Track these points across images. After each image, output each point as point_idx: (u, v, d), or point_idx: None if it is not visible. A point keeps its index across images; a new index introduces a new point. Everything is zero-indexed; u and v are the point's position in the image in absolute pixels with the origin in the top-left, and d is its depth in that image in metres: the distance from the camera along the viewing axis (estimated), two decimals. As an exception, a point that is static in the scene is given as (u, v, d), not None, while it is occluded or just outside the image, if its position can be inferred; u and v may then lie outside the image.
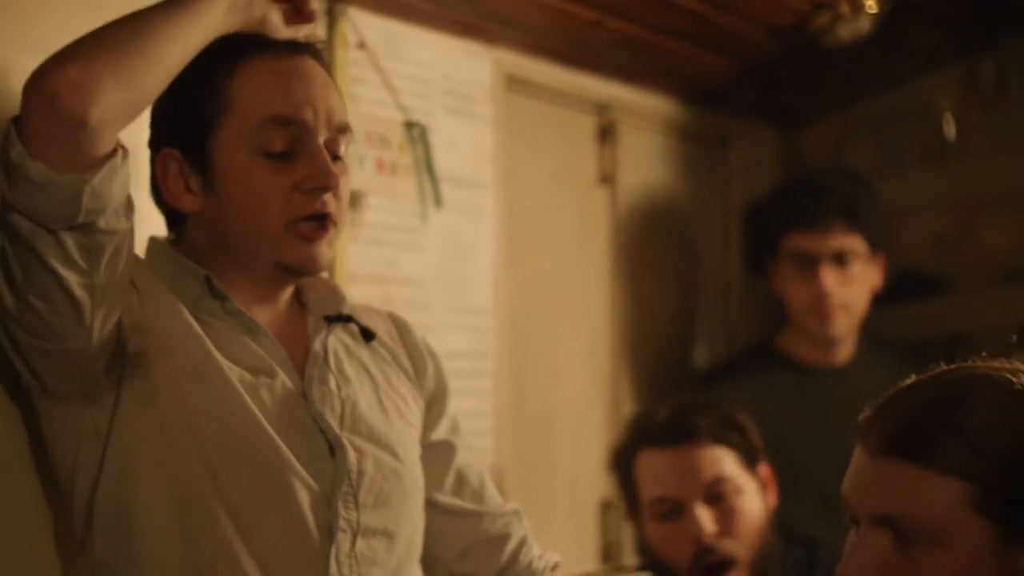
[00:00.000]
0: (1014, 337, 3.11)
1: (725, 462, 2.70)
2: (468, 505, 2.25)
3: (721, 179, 4.01)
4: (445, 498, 2.23)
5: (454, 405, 2.28)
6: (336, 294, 2.14)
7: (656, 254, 3.74)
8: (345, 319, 2.12)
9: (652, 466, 2.74)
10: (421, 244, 2.92)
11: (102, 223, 1.73)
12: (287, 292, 2.08)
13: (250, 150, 1.93)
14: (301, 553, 1.94)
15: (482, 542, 2.25)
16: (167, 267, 1.98)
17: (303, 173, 1.94)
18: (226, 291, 1.97)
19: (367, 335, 2.13)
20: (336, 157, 1.99)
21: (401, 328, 2.24)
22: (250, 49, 1.96)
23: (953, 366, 1.71)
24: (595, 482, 3.42)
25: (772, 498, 2.81)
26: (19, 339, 1.81)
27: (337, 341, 2.10)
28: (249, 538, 1.89)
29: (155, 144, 1.99)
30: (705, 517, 2.65)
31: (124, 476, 1.88)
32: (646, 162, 3.72)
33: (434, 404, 2.23)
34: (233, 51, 1.94)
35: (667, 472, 2.72)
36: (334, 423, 2.00)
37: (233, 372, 1.92)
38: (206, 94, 1.94)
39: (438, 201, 2.89)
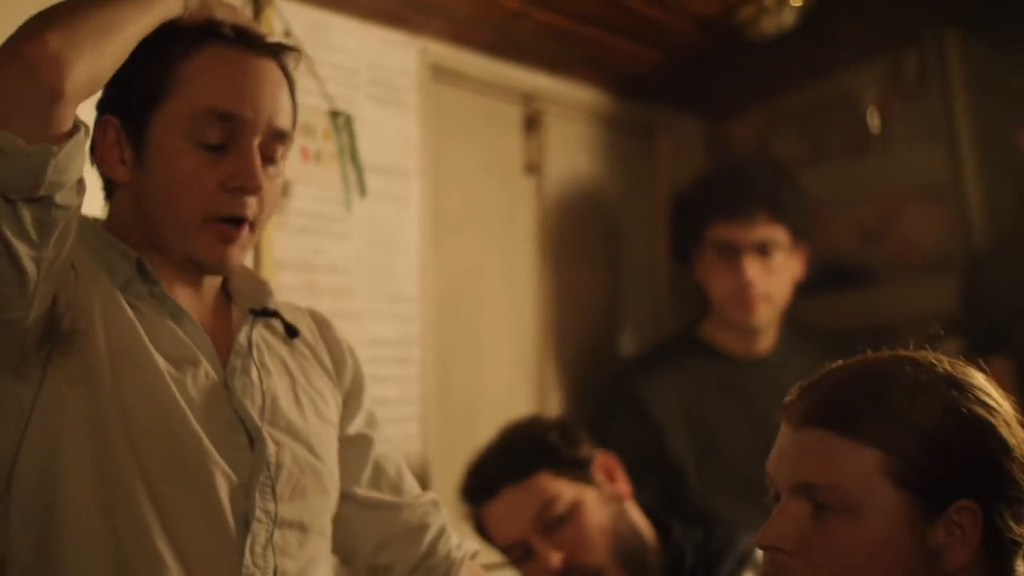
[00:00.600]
0: (939, 328, 3.16)
1: (545, 487, 2.75)
2: (386, 497, 2.26)
3: (648, 169, 4.03)
4: (363, 491, 2.24)
5: (373, 397, 2.29)
6: (263, 288, 2.14)
7: (583, 243, 3.76)
8: (271, 314, 2.12)
9: (488, 521, 2.81)
10: (346, 232, 2.93)
11: (59, 198, 1.72)
12: (213, 282, 2.08)
13: (185, 136, 1.93)
14: (217, 541, 1.94)
15: (401, 533, 2.26)
16: (97, 245, 1.97)
17: (230, 171, 1.94)
18: (155, 275, 1.97)
19: (291, 332, 2.14)
20: (270, 160, 1.98)
21: (322, 325, 2.25)
22: (211, 37, 1.96)
23: (879, 352, 1.78)
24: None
25: (623, 486, 2.84)
26: None
27: (259, 335, 2.10)
28: (167, 523, 1.89)
29: (100, 109, 1.98)
30: (548, 550, 2.72)
31: (48, 452, 1.87)
32: (573, 152, 3.74)
33: (351, 399, 2.24)
34: (194, 34, 1.95)
35: (499, 521, 2.79)
36: (254, 414, 2.00)
37: (159, 359, 1.92)
38: (157, 70, 1.93)
39: (363, 190, 2.89)
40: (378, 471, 2.26)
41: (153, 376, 1.91)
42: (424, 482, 2.99)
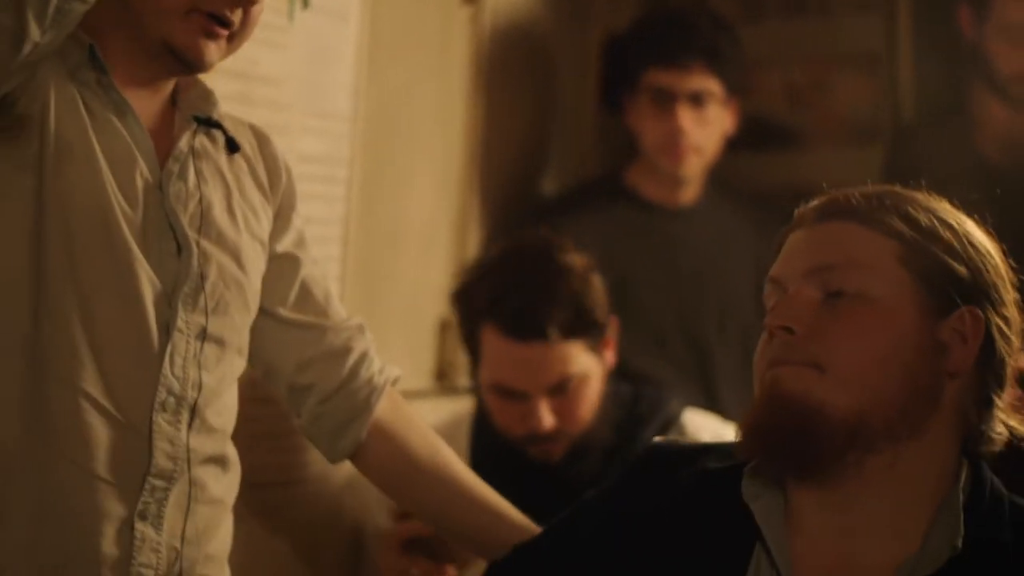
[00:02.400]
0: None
1: (572, 359, 2.70)
2: (311, 319, 2.24)
3: (584, 9, 3.98)
4: (288, 312, 2.22)
5: (303, 215, 2.27)
6: (209, 97, 2.10)
7: (515, 79, 3.71)
8: (214, 124, 2.08)
9: (497, 351, 2.74)
10: (284, 43, 2.85)
11: None
12: (167, 85, 2.03)
13: None
14: (137, 347, 1.92)
15: (323, 354, 2.25)
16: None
17: None
18: (105, 64, 1.91)
19: (232, 146, 2.11)
20: None
21: (261, 140, 2.21)
22: None
23: None
24: (435, 302, 3.41)
25: (612, 357, 2.83)
26: None
27: (200, 143, 2.06)
28: (88, 322, 1.87)
29: None
30: (547, 413, 2.69)
31: None
32: (513, -15, 3.69)
33: (281, 216, 2.21)
34: None
35: (512, 365, 2.72)
36: (185, 221, 1.97)
37: (100, 156, 1.89)
38: None
39: (305, 1, 2.83)
40: (304, 293, 2.24)
41: (93, 173, 1.88)
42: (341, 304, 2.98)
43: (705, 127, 3.47)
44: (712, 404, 3.25)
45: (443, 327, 3.44)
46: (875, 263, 1.73)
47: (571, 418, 2.71)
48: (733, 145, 3.65)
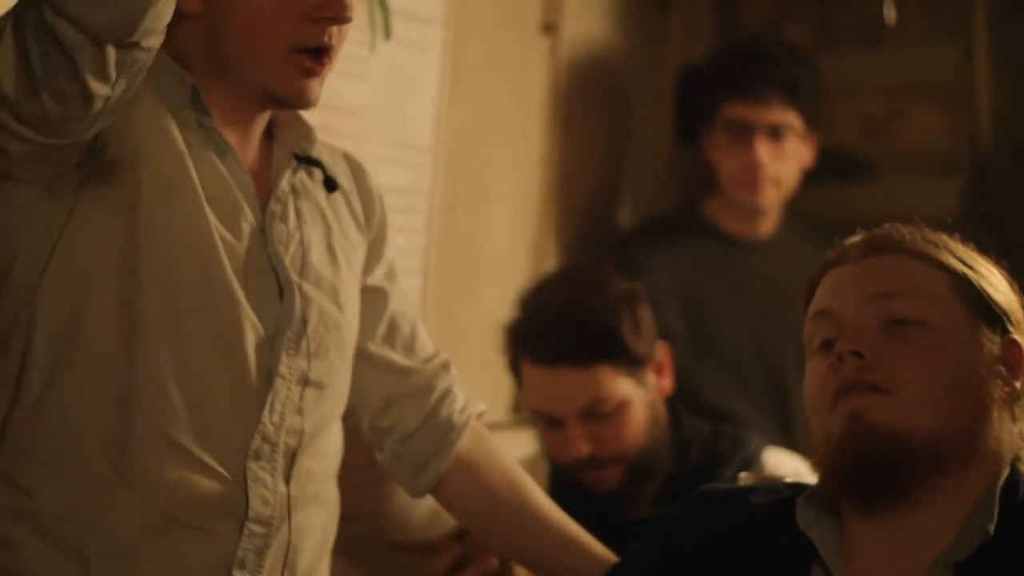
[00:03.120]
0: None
1: (603, 383, 2.67)
2: (397, 358, 2.24)
3: (659, 40, 3.97)
4: (376, 347, 2.22)
5: (392, 249, 2.26)
6: (310, 136, 2.08)
7: (592, 110, 3.71)
8: (314, 162, 2.07)
9: (531, 380, 2.74)
10: (365, 75, 2.87)
11: (146, 42, 1.67)
12: (262, 120, 2.02)
13: None
14: (235, 394, 1.91)
15: (406, 395, 2.25)
16: (152, 69, 1.87)
17: (315, 2, 1.87)
18: (208, 104, 1.91)
19: (331, 185, 2.09)
20: None
21: (356, 171, 2.21)
22: None
23: None
24: (513, 333, 3.42)
25: (668, 383, 2.81)
26: (2, 119, 1.72)
27: (300, 180, 2.05)
28: (185, 369, 1.86)
29: None
30: (580, 438, 2.66)
31: (77, 282, 1.84)
32: (589, 15, 3.68)
33: (374, 246, 2.21)
34: None
35: (543, 391, 2.72)
36: (287, 264, 1.96)
37: (201, 196, 1.88)
38: None
39: (388, 33, 2.84)
40: (392, 328, 2.24)
41: (194, 214, 1.87)
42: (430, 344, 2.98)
43: (783, 160, 3.45)
44: (788, 437, 3.23)
45: (520, 360, 3.45)
46: (932, 292, 1.77)
47: (610, 443, 2.67)
48: (810, 177, 3.63)
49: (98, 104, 1.69)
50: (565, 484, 2.76)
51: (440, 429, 2.26)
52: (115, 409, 1.85)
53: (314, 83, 1.92)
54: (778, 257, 3.50)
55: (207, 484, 1.89)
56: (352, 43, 2.76)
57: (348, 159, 2.21)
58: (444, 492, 2.31)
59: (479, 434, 2.32)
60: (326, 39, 1.90)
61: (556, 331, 2.67)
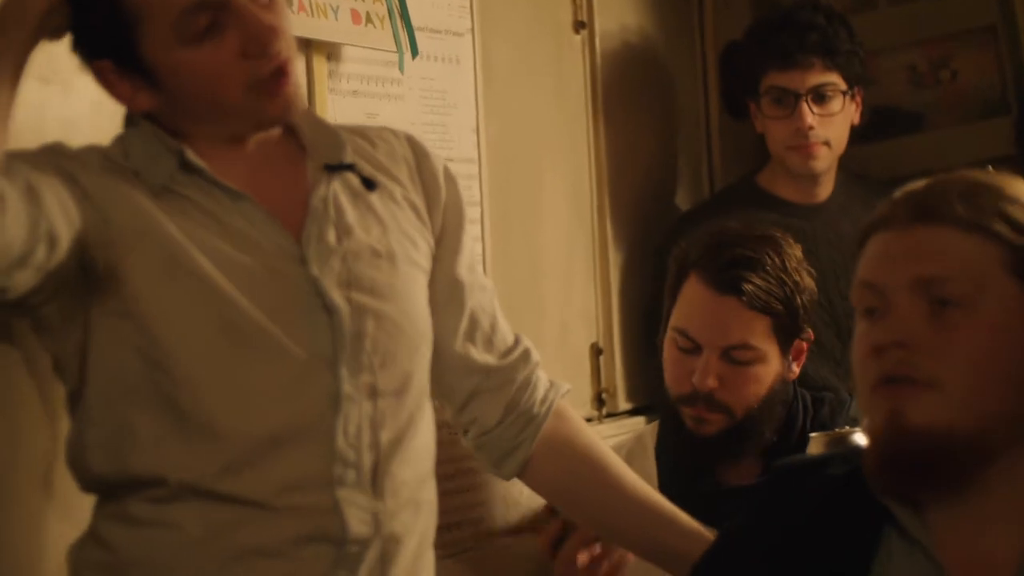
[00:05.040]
0: (990, 170, 3.08)
1: (756, 331, 2.68)
2: (477, 355, 2.23)
3: (696, 22, 4.00)
4: (457, 346, 2.21)
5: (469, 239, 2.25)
6: (336, 140, 2.07)
7: (635, 98, 3.72)
8: (347, 167, 2.05)
9: (694, 298, 2.73)
10: (400, 94, 2.89)
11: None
12: (263, 138, 2.01)
13: (180, 43, 1.86)
14: (307, 432, 1.91)
15: (486, 390, 2.25)
16: (137, 148, 1.94)
17: (240, 42, 1.87)
18: (201, 163, 1.92)
19: (369, 185, 2.06)
20: None
21: (419, 154, 2.19)
22: None
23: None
24: (585, 328, 3.44)
25: (797, 370, 2.81)
26: None
27: (340, 187, 2.03)
28: (248, 429, 1.89)
29: (86, 58, 1.93)
30: (712, 371, 2.66)
31: (119, 391, 1.88)
32: (621, 7, 3.70)
33: (446, 234, 2.19)
34: None
35: (701, 314, 2.71)
36: (332, 282, 1.95)
37: (219, 254, 1.89)
38: (113, 11, 1.87)
39: (414, 51, 2.86)
40: (473, 323, 2.23)
41: (199, 283, 1.88)
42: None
43: (831, 121, 3.45)
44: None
45: (596, 352, 3.47)
46: (982, 274, 1.67)
47: (735, 391, 2.68)
48: (862, 135, 3.64)
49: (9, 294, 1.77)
50: (678, 467, 2.80)
51: (521, 420, 2.27)
52: (185, 483, 1.88)
53: (282, 99, 1.93)
54: (839, 219, 3.50)
55: (294, 523, 1.90)
56: (383, 64, 2.82)
57: (411, 141, 2.20)
58: (530, 474, 2.33)
59: (564, 415, 2.33)
60: (273, 63, 1.90)
61: (741, 267, 2.67)
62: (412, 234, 2.10)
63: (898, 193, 1.76)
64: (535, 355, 2.31)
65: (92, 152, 1.93)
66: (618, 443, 2.92)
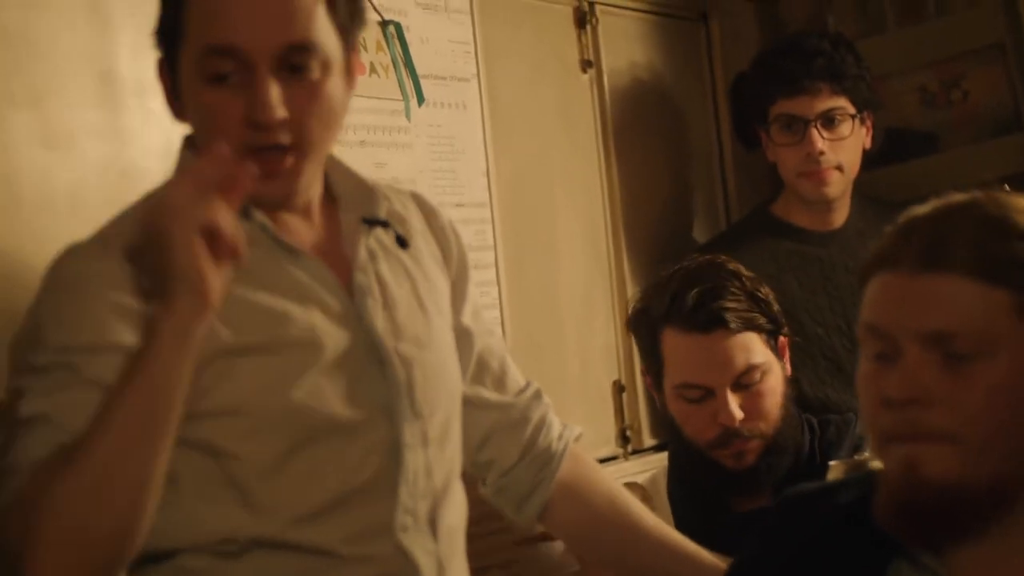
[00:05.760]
0: (1007, 188, 3.08)
1: (755, 349, 2.68)
2: (489, 395, 2.25)
3: (705, 54, 4.02)
4: (467, 388, 2.21)
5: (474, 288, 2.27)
6: (371, 194, 2.05)
7: (646, 133, 3.74)
8: (383, 223, 2.04)
9: (681, 350, 2.71)
10: (408, 142, 2.92)
11: None
12: (310, 203, 1.99)
13: (200, 78, 1.83)
14: (372, 485, 1.91)
15: (501, 430, 2.27)
16: None
17: (245, 107, 1.82)
18: (267, 220, 1.90)
19: (402, 243, 2.05)
20: (299, 69, 1.84)
21: (428, 213, 2.18)
22: None
23: (963, 195, 1.72)
24: (606, 365, 3.45)
25: (788, 367, 2.82)
26: None
27: (375, 242, 2.03)
28: (312, 493, 1.88)
29: (156, 46, 1.92)
30: (735, 405, 2.65)
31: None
32: (628, 44, 3.72)
33: (456, 284, 2.20)
34: None
35: (698, 359, 2.69)
36: (383, 335, 1.95)
37: (270, 316, 1.87)
38: (171, 19, 1.87)
39: (420, 98, 2.88)
40: (481, 366, 2.25)
41: (266, 369, 1.86)
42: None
43: (841, 145, 3.44)
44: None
45: (618, 389, 3.48)
46: (993, 326, 1.61)
47: (758, 413, 2.68)
48: (877, 159, 3.64)
49: None
50: (693, 502, 2.78)
51: (540, 459, 2.28)
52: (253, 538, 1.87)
53: (276, 182, 1.87)
54: (855, 244, 3.49)
55: (364, 570, 1.91)
56: (390, 114, 2.84)
57: (418, 200, 2.19)
58: (550, 518, 2.33)
59: (578, 458, 2.34)
60: (268, 141, 1.84)
61: (713, 299, 2.66)
62: (439, 286, 2.12)
63: (903, 225, 1.70)
64: (546, 398, 2.33)
65: None
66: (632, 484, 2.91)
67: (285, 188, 1.89)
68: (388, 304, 1.98)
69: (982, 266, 1.62)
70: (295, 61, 1.84)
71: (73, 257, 1.81)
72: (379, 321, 1.95)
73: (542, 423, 2.30)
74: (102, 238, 1.83)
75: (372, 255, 2.01)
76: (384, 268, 2.02)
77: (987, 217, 1.66)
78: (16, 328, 1.79)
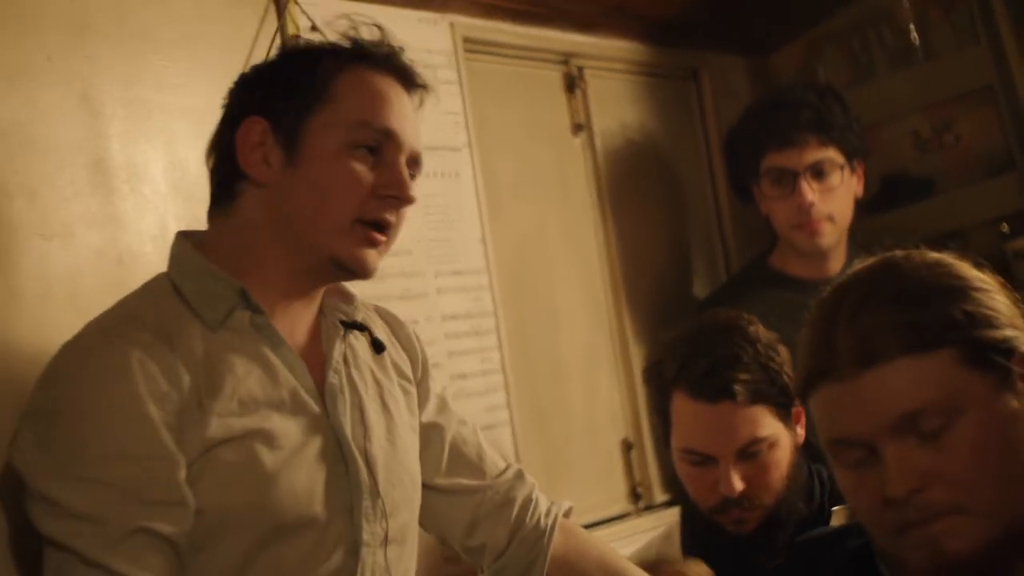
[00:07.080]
0: (1005, 227, 3.11)
1: (761, 422, 2.67)
2: (468, 482, 2.29)
3: (697, 110, 4.05)
4: (444, 480, 2.27)
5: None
6: (351, 299, 2.17)
7: (641, 192, 3.77)
8: (359, 327, 2.15)
9: (687, 415, 2.71)
10: (407, 212, 2.93)
11: None
12: (318, 296, 2.08)
13: (343, 140, 1.96)
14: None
15: (487, 513, 2.30)
16: (190, 285, 1.96)
17: (383, 180, 1.99)
18: (260, 303, 1.97)
19: (378, 347, 2.16)
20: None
21: (392, 324, 2.28)
22: (358, 58, 2.03)
23: (858, 267, 1.81)
24: (613, 424, 3.47)
25: (802, 432, 2.81)
26: None
27: (348, 345, 2.11)
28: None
29: (239, 111, 2.01)
30: (736, 477, 2.65)
31: None
32: (618, 105, 3.76)
33: (420, 387, 2.27)
34: (343, 53, 2.02)
35: (703, 428, 2.69)
36: (349, 435, 2.01)
37: (257, 410, 1.91)
38: (309, 79, 1.99)
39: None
40: (455, 455, 2.30)
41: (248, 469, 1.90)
42: (515, 448, 3.00)
43: (832, 195, 3.47)
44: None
45: (626, 447, 3.49)
46: (949, 386, 1.64)
47: (761, 484, 2.68)
48: (874, 206, 3.65)
49: None
50: (701, 531, 2.79)
51: (530, 538, 2.31)
52: None
53: (374, 254, 2.00)
54: (853, 291, 3.50)
55: None
56: (383, 187, 2.86)
57: (381, 313, 2.28)
58: None
59: (569, 531, 2.36)
60: (387, 216, 2.00)
61: (723, 369, 2.65)
62: (399, 393, 2.18)
63: (820, 329, 1.74)
64: (530, 477, 2.36)
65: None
66: (647, 540, 2.92)
67: (377, 263, 2.03)
68: (359, 405, 2.05)
69: (915, 341, 1.65)
70: (411, 165, 2.06)
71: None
72: (347, 422, 2.01)
73: (528, 502, 2.32)
74: (103, 330, 1.88)
75: (344, 357, 2.08)
76: (354, 371, 2.09)
77: (899, 292, 1.70)
78: (15, 412, 1.82)
